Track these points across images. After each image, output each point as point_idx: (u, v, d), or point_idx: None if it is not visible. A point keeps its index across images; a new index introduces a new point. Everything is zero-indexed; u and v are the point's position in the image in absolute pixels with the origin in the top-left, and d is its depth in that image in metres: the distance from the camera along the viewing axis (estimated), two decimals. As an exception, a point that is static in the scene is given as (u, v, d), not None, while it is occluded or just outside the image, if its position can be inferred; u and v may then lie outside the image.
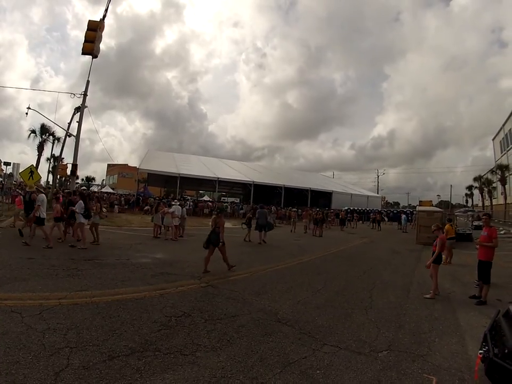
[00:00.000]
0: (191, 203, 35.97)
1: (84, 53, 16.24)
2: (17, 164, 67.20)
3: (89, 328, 4.65)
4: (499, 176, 47.34)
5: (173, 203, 17.22)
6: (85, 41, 15.94)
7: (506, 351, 3.26)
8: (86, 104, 22.19)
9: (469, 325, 5.95)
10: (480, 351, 3.63)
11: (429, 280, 9.43)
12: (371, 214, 40.13)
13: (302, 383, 3.68)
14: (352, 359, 4.35)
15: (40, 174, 18.28)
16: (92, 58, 17.32)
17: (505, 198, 44.83)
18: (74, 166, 22.14)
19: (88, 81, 21.87)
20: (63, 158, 27.91)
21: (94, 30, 15.90)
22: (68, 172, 23.83)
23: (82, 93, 21.75)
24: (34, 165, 26.90)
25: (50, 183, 43.62)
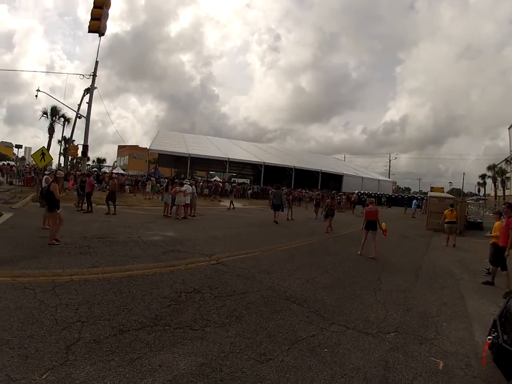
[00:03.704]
0: (201, 183, 35.91)
1: (90, 31, 16.06)
2: (29, 147, 67.45)
3: (100, 303, 4.73)
4: None
5: (184, 182, 17.25)
6: (91, 19, 15.74)
7: None
8: (95, 85, 22.17)
9: (477, 312, 5.92)
10: (489, 337, 3.62)
11: (438, 266, 9.49)
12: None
13: (310, 360, 3.72)
14: (360, 339, 4.38)
15: (51, 156, 18.32)
16: (99, 36, 17.14)
17: None
18: (85, 147, 22.26)
19: (97, 62, 21.79)
20: (74, 140, 27.95)
21: (100, 7, 15.64)
22: (79, 153, 23.95)
23: (91, 73, 21.67)
24: (46, 147, 26.99)
25: (62, 165, 43.99)
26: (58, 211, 8.54)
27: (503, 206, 8.06)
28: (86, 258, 7.07)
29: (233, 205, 22.92)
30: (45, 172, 12.77)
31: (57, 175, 9.08)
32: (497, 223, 8.83)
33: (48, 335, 3.70)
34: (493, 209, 44.67)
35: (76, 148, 25.00)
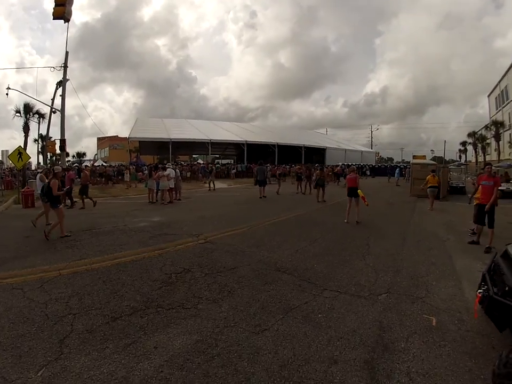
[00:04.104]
0: (186, 167, 35.61)
1: (54, 17, 15.45)
2: (6, 150, 65.30)
3: (90, 293, 4.69)
4: (493, 133, 47.23)
5: (167, 166, 17.08)
6: (55, 5, 15.11)
7: (506, 288, 3.28)
8: (68, 77, 21.51)
9: (465, 270, 5.98)
10: (479, 291, 3.65)
11: (424, 230, 9.62)
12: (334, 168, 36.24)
13: (305, 327, 3.73)
14: (353, 302, 4.41)
15: (29, 155, 17.94)
16: (65, 23, 16.52)
17: (499, 154, 45.06)
18: (63, 141, 21.67)
19: (67, 52, 21.09)
20: (51, 137, 27.22)
21: (65, -8, 15.11)
22: (57, 148, 23.36)
23: (62, 65, 21.04)
24: (22, 147, 26.29)
25: (42, 163, 42.96)
26: (60, 206, 8.55)
27: (487, 167, 8.13)
28: (73, 251, 6.94)
29: (214, 185, 22.61)
30: (38, 171, 12.46)
31: (55, 171, 9.04)
32: (428, 176, 9.00)
33: (40, 332, 3.64)
34: (474, 174, 45.60)
35: (53, 143, 24.32)
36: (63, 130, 21.35)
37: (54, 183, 8.43)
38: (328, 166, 37.96)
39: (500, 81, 50.82)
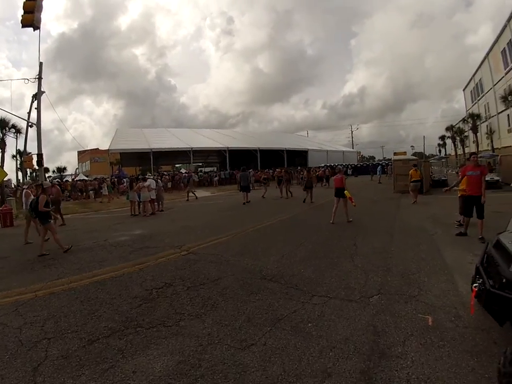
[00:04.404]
0: (167, 177, 35.17)
1: (23, 25, 15.04)
2: None
3: (67, 315, 4.42)
4: (470, 125, 47.89)
5: (147, 177, 16.80)
6: (24, 12, 14.72)
7: (504, 280, 3.12)
8: (43, 89, 21.05)
9: (456, 263, 5.83)
10: (475, 285, 3.48)
11: (410, 225, 9.55)
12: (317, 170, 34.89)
13: (294, 338, 3.48)
14: (344, 307, 4.18)
15: (5, 172, 17.54)
16: (34, 30, 16.03)
17: (477, 146, 45.67)
18: (40, 156, 21.06)
19: (41, 63, 20.62)
20: (30, 153, 26.53)
21: (33, -1, 14.78)
22: (35, 163, 22.78)
23: (36, 76, 20.59)
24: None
25: (21, 180, 42.12)
26: (51, 221, 8.46)
27: (472, 157, 8.09)
28: (51, 271, 6.66)
29: (194, 194, 22.17)
30: (23, 187, 12.15)
31: (44, 186, 8.95)
32: (411, 171, 8.95)
33: (13, 360, 3.38)
34: (455, 166, 46.41)
35: (30, 158, 23.59)
36: (39, 145, 20.76)
37: (42, 198, 8.26)
38: (312, 168, 37.99)
39: (474, 75, 51.95)
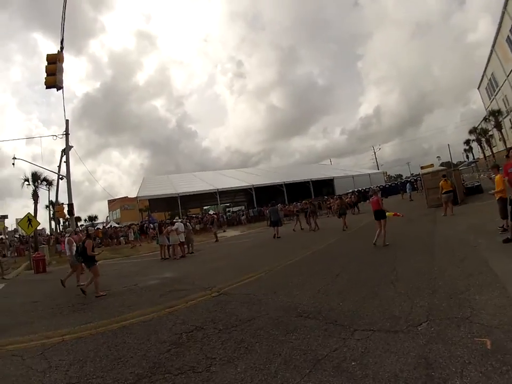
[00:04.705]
0: (196, 219, 35.26)
1: (47, 87, 15.89)
2: (19, 218, 66.38)
3: (93, 360, 4.26)
4: (493, 123, 46.85)
5: (175, 220, 16.84)
6: (47, 75, 15.61)
7: None
8: (71, 144, 22.07)
9: (507, 273, 5.34)
10: None
11: (451, 239, 9.08)
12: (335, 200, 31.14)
13: (337, 380, 3.10)
14: (390, 339, 3.76)
15: (38, 221, 18.59)
16: (57, 91, 16.97)
17: (505, 143, 43.93)
18: (70, 206, 21.85)
19: (67, 120, 21.67)
20: (62, 203, 27.47)
21: (54, 62, 15.59)
22: (66, 212, 23.55)
23: (63, 133, 21.55)
24: (32, 214, 26.64)
25: (54, 229, 43.52)
26: (97, 264, 8.79)
27: (511, 152, 7.34)
28: (80, 315, 6.61)
29: (216, 236, 21.62)
30: (66, 235, 12.83)
31: (89, 232, 9.77)
32: (497, 177, 8.55)
33: None
34: (486, 169, 44.75)
35: (61, 208, 24.54)
36: (70, 195, 21.57)
37: (88, 243, 8.67)
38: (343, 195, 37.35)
39: (485, 71, 50.97)
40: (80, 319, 6.30)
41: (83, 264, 9.23)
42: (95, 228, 37.61)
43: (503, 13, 35.11)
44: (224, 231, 29.21)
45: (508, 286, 4.78)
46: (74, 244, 10.80)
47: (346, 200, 30.17)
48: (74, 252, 10.22)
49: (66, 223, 44.00)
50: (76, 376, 3.82)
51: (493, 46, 42.58)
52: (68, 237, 11.43)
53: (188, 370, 3.67)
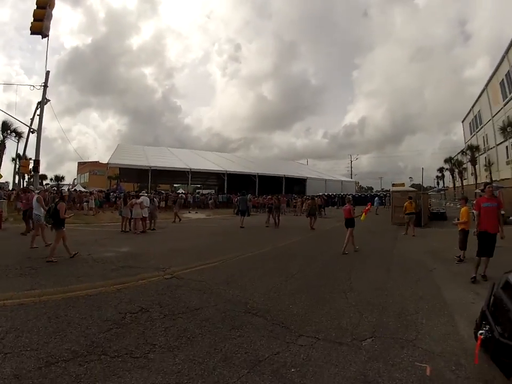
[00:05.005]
0: (163, 196, 34.71)
1: (32, 32, 15.11)
2: None
3: (30, 330, 4.08)
4: (469, 157, 48.86)
5: (141, 194, 16.46)
6: (34, 20, 14.78)
7: None
8: (49, 98, 21.12)
9: (456, 303, 5.45)
10: (481, 332, 3.07)
11: (408, 259, 9.24)
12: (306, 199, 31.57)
13: (273, 385, 3.04)
14: (333, 350, 3.73)
15: (1, 174, 17.58)
16: (42, 38, 16.17)
17: (476, 178, 46.27)
18: (36, 162, 21.01)
19: (48, 72, 20.87)
20: (30, 158, 26.36)
21: (43, 7, 14.75)
22: (31, 168, 22.58)
23: (42, 84, 20.66)
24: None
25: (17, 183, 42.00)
26: (64, 229, 8.63)
27: (487, 187, 7.30)
28: (26, 280, 6.35)
29: (179, 217, 21.04)
30: (36, 191, 12.38)
31: (63, 194, 10.13)
32: (463, 209, 8.84)
33: None
34: (453, 199, 46.34)
35: (27, 163, 23.45)
36: (38, 151, 20.72)
37: (61, 206, 8.61)
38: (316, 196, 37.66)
39: (472, 107, 53.30)
40: (25, 284, 6.08)
41: (48, 225, 9.11)
42: (60, 189, 36.73)
43: (503, 57, 36.27)
44: (189, 212, 29.05)
45: (456, 315, 4.86)
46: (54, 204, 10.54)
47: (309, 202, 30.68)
48: (42, 211, 10.06)
49: (31, 179, 42.56)
50: (10, 345, 3.65)
51: (486, 85, 44.13)
52: (38, 194, 11.03)
53: (125, 354, 3.54)
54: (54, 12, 15.36)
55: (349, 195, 23.34)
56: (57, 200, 9.28)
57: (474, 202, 9.20)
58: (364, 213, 11.84)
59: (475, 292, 5.96)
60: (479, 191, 25.69)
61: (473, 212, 8.17)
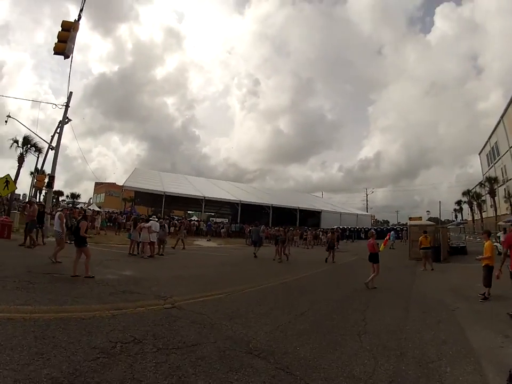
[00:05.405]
0: (176, 222, 34.40)
1: (55, 52, 15.33)
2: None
3: (14, 348, 3.80)
4: (488, 189, 47.90)
5: (151, 219, 16.22)
6: (58, 41, 15.09)
7: None
8: (70, 118, 21.42)
9: (483, 347, 4.93)
10: None
11: (428, 298, 8.74)
12: (323, 233, 32.90)
13: None
14: (343, 405, 3.22)
15: (15, 185, 17.92)
16: (64, 59, 16.36)
17: (495, 210, 45.05)
18: (51, 178, 21.06)
19: (70, 92, 21.14)
20: (47, 174, 26.62)
21: (68, 30, 15.09)
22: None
23: (64, 104, 20.98)
24: (14, 177, 25.84)
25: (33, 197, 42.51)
26: (88, 246, 8.89)
27: None
28: (21, 294, 6.13)
29: (183, 243, 19.87)
30: (58, 209, 13.08)
31: (86, 213, 10.19)
32: (487, 244, 8.48)
33: None
34: (472, 232, 45.32)
35: (43, 178, 23.54)
36: (54, 167, 20.75)
37: (83, 224, 8.81)
38: (335, 229, 37.03)
39: (489, 138, 53.06)
40: (20, 298, 5.85)
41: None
42: (75, 207, 36.81)
43: (518, 86, 36.51)
44: (207, 240, 28.78)
45: (483, 362, 4.34)
46: (65, 220, 10.99)
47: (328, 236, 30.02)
48: (63, 228, 10.53)
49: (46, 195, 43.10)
50: (-11, 362, 3.32)
51: (502, 116, 44.08)
52: (60, 212, 11.36)
53: (107, 389, 3.12)
54: (85, 39, 16.06)
55: (371, 229, 22.89)
56: (79, 218, 9.49)
57: (502, 237, 8.74)
58: (383, 244, 11.57)
59: (504, 334, 5.48)
60: (504, 223, 24.78)
61: (496, 246, 7.70)
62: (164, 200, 40.62)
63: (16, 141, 33.40)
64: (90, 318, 5.17)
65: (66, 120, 21.36)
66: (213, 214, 71.20)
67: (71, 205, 45.83)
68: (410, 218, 31.83)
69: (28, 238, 12.84)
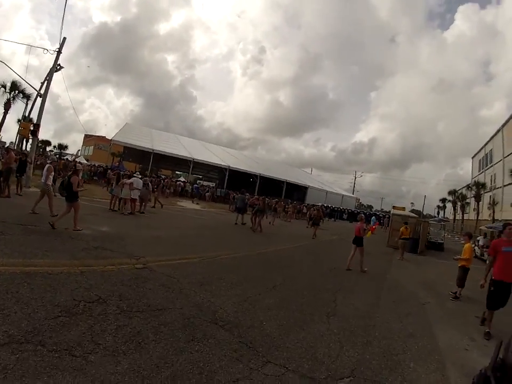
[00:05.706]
0: (157, 180, 34.04)
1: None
2: None
3: None
4: (474, 193, 49.73)
5: (134, 175, 15.97)
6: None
7: None
8: (62, 65, 20.58)
9: (449, 347, 4.94)
10: None
11: (401, 288, 8.80)
12: (309, 209, 31.88)
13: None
14: (293, 387, 3.15)
15: (1, 133, 17.33)
16: None
17: (477, 214, 46.86)
18: (36, 126, 20.37)
19: (64, 38, 20.30)
20: (32, 119, 25.83)
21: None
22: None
23: (56, 49, 20.15)
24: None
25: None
26: (79, 201, 9.10)
27: (508, 227, 5.97)
28: None
29: (160, 203, 19.71)
30: (47, 161, 12.82)
31: (77, 168, 10.18)
32: (467, 246, 8.50)
33: None
34: (451, 231, 46.34)
35: (27, 125, 22.69)
36: (40, 115, 20.13)
37: (74, 179, 8.90)
38: (291, 203, 37.13)
39: (485, 145, 54.10)
40: None
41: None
42: (61, 158, 36.26)
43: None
44: (187, 202, 28.56)
45: (447, 363, 4.33)
46: (53, 173, 11.06)
47: (313, 213, 30.07)
48: (51, 181, 10.77)
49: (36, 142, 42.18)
50: None
51: (503, 125, 44.66)
52: (49, 164, 11.36)
53: (64, 350, 3.03)
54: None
55: (360, 213, 23.08)
56: (70, 173, 9.46)
57: (481, 241, 8.81)
58: (370, 231, 11.63)
59: (470, 336, 5.51)
60: (486, 228, 25.19)
61: (475, 249, 7.77)
62: (152, 158, 40.21)
63: (4, 86, 32.51)
64: (57, 274, 5.01)
65: (58, 67, 20.59)
66: (200, 176, 71.05)
67: (58, 155, 45.05)
68: (394, 207, 32.47)
69: (6, 187, 12.60)
